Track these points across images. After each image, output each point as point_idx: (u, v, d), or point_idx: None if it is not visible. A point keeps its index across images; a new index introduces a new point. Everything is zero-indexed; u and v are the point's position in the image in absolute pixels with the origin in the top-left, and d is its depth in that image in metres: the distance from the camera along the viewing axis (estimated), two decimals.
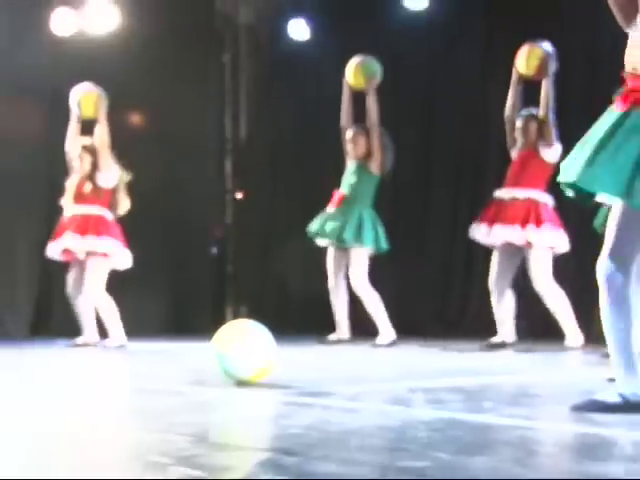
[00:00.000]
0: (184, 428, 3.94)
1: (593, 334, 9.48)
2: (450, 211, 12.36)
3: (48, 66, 12.40)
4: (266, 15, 14.21)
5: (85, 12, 12.54)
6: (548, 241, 9.41)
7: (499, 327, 9.71)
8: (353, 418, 4.19)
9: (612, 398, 4.08)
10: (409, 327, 11.45)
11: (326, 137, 12.94)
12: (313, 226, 10.48)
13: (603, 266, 4.14)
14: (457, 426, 3.98)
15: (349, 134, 10.52)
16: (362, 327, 10.51)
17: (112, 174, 10.07)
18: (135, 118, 13.08)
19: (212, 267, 14.16)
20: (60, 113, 11.36)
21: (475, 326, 11.36)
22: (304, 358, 8.04)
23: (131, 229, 10.35)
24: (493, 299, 9.74)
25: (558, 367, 7.87)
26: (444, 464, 3.01)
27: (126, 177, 10.36)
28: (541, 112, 9.52)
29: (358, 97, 10.69)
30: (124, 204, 10.27)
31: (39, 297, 12.77)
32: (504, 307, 9.69)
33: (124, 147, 10.35)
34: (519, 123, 9.64)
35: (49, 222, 10.99)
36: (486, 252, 10.11)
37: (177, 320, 10.82)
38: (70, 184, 10.11)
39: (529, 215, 9.39)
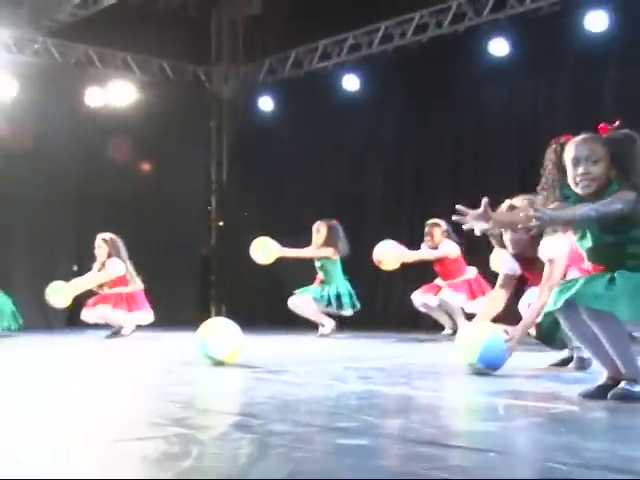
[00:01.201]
0: (176, 397, 3.95)
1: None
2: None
3: (83, 126, 12.49)
4: (242, 93, 14.25)
5: (110, 90, 12.64)
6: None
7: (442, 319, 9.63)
8: (303, 390, 4.14)
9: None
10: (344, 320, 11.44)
11: (285, 182, 12.97)
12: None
13: None
14: (379, 396, 3.95)
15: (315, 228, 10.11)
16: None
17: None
18: (146, 164, 13.06)
19: (200, 276, 14.14)
20: (92, 161, 11.39)
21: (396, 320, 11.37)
22: (266, 345, 7.99)
23: (142, 247, 10.26)
24: None
25: None
26: (369, 424, 3.03)
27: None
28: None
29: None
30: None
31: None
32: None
33: (139, 183, 10.35)
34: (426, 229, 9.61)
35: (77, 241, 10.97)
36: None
37: (173, 316, 10.72)
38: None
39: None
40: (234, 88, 14.43)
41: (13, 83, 11.83)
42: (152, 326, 9.33)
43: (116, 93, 12.74)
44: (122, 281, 9.75)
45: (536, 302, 4.88)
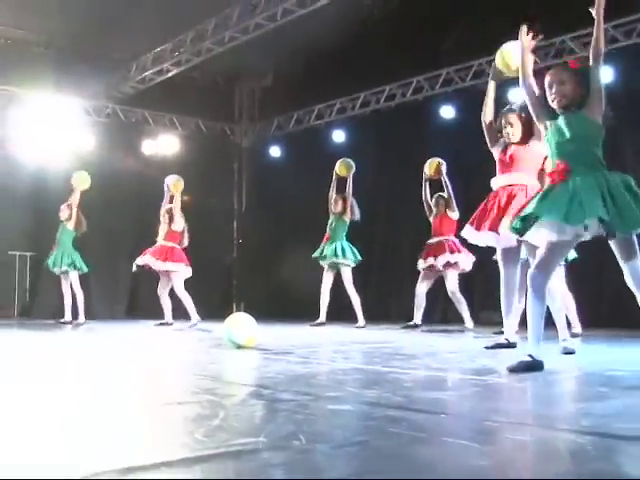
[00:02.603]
0: (207, 372, 3.92)
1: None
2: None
3: (140, 169, 12.56)
4: (257, 143, 14.26)
5: (159, 142, 12.68)
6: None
7: (415, 312, 8.91)
8: (303, 367, 4.11)
9: (525, 359, 3.62)
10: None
11: (289, 210, 12.94)
12: (316, 253, 9.66)
13: (531, 274, 3.64)
14: (359, 372, 3.92)
15: (334, 200, 9.87)
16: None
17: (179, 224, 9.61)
18: (186, 196, 13.02)
19: (225, 280, 14.12)
20: (146, 194, 11.41)
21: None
22: (275, 333, 7.97)
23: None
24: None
25: (433, 339, 7.60)
26: (352, 394, 2.99)
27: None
28: (445, 195, 8.97)
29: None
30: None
31: (131, 293, 12.71)
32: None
33: (182, 211, 10.36)
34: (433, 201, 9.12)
35: (136, 251, 10.95)
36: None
37: (204, 310, 10.65)
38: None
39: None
40: (251, 139, 14.46)
41: (91, 138, 11.94)
42: (188, 317, 9.27)
43: (164, 144, 12.80)
44: (176, 237, 9.53)
45: None
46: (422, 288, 9.01)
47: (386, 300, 11.83)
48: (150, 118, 13.06)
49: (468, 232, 5.32)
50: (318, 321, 9.61)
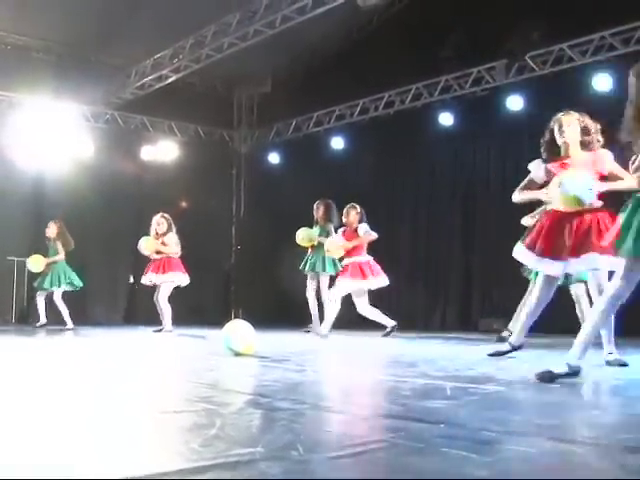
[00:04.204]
0: (204, 380, 3.90)
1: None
2: None
3: (139, 174, 12.64)
4: (256, 150, 14.26)
5: (158, 148, 12.68)
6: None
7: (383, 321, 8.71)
8: (300, 375, 4.10)
9: (561, 369, 3.55)
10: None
11: (286, 216, 12.92)
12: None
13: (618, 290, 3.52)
14: (357, 380, 3.90)
15: (315, 206, 9.60)
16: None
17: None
18: (185, 202, 13.06)
19: (223, 287, 14.09)
20: (145, 199, 11.42)
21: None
22: (272, 340, 7.94)
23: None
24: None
25: (431, 346, 7.49)
26: (349, 402, 2.99)
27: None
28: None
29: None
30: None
31: (129, 299, 12.71)
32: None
33: (179, 215, 10.35)
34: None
35: (135, 257, 10.98)
36: None
37: (202, 316, 10.66)
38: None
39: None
40: (250, 146, 14.44)
41: (90, 144, 11.95)
42: (186, 324, 9.22)
43: (163, 150, 12.79)
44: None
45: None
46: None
47: (384, 307, 11.77)
48: (149, 124, 13.04)
49: (526, 256, 4.90)
50: (308, 328, 9.73)
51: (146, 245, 9.42)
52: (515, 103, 9.96)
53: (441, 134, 10.95)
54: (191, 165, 12.94)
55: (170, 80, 11.53)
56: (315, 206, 9.62)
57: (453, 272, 11.04)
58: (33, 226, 11.64)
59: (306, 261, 9.69)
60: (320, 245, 9.42)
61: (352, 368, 4.66)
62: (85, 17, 10.88)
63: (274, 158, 13.70)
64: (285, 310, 11.96)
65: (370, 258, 8.69)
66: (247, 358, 5.14)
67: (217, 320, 9.28)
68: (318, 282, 9.61)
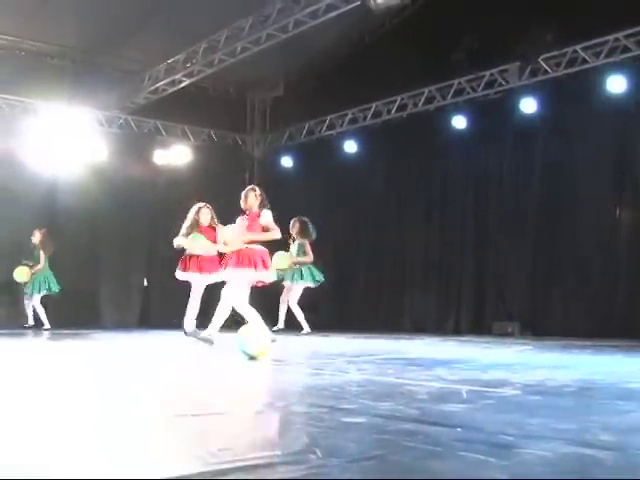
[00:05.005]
0: (221, 383, 3.91)
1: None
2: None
3: (152, 178, 12.64)
4: (268, 154, 14.28)
5: (172, 151, 12.71)
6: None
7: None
8: (315, 379, 4.09)
9: None
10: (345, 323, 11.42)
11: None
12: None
13: None
14: (373, 384, 3.90)
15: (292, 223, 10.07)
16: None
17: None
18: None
19: None
20: (159, 202, 11.47)
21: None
22: (287, 343, 7.94)
23: None
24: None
25: (445, 350, 7.47)
26: (366, 406, 2.96)
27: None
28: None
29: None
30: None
31: (143, 304, 12.75)
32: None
33: None
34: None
35: (147, 264, 11.02)
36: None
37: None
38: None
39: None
40: (263, 150, 14.46)
41: (104, 148, 12.03)
42: (198, 327, 9.17)
43: (176, 154, 12.83)
44: None
45: None
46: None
47: (398, 311, 11.79)
48: (162, 128, 13.10)
49: None
50: (304, 332, 9.94)
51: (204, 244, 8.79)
52: (528, 105, 9.92)
53: (454, 137, 10.93)
54: (204, 169, 12.97)
55: (183, 84, 11.58)
56: (291, 223, 10.08)
57: (466, 275, 11.01)
58: (47, 230, 11.70)
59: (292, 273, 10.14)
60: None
61: (367, 372, 4.66)
62: (99, 23, 10.95)
63: (287, 162, 13.72)
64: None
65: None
66: (262, 362, 5.15)
67: (231, 324, 9.30)
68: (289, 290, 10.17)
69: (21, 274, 11.08)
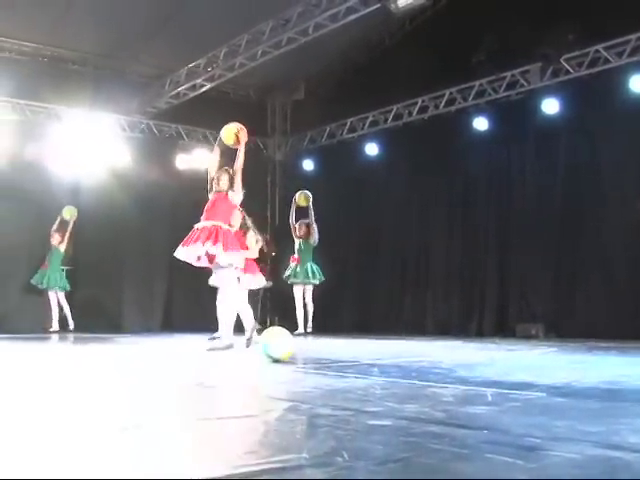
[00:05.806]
0: (245, 386, 3.90)
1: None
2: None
3: (174, 182, 12.67)
4: (290, 157, 14.32)
5: (193, 156, 12.79)
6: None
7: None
8: (339, 382, 4.09)
9: None
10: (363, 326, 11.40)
11: (321, 221, 12.97)
12: (288, 273, 10.96)
13: None
14: (397, 386, 3.89)
15: (298, 226, 10.93)
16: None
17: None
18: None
19: (258, 292, 14.09)
20: (179, 205, 11.59)
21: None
22: (309, 346, 7.94)
23: None
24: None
25: (468, 352, 7.42)
26: (391, 409, 2.95)
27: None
28: (234, 166, 7.13)
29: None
30: None
31: (166, 306, 12.82)
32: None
33: None
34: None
35: (169, 267, 11.08)
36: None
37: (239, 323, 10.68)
38: None
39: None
40: (284, 153, 14.51)
41: (126, 153, 12.12)
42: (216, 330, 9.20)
43: (198, 158, 12.87)
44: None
45: None
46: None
47: (420, 314, 11.76)
48: (184, 133, 13.18)
49: None
50: (298, 332, 10.42)
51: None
52: (550, 106, 9.87)
53: (476, 139, 10.89)
54: None
55: (204, 89, 11.63)
56: (298, 226, 10.95)
57: (489, 277, 10.95)
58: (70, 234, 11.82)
59: (295, 271, 10.85)
60: (306, 255, 10.84)
61: (391, 374, 4.65)
62: (120, 29, 11.04)
63: (308, 165, 13.73)
64: (320, 317, 11.94)
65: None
66: (285, 364, 5.15)
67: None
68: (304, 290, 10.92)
69: (70, 211, 11.42)
